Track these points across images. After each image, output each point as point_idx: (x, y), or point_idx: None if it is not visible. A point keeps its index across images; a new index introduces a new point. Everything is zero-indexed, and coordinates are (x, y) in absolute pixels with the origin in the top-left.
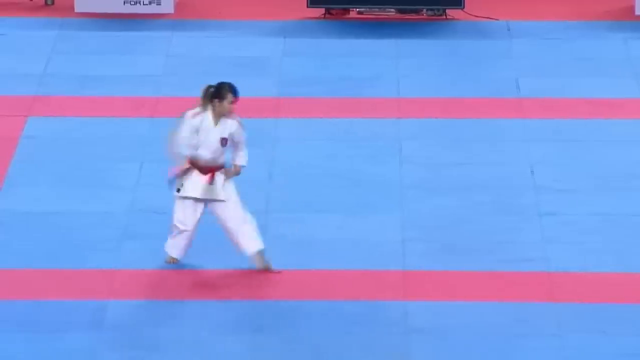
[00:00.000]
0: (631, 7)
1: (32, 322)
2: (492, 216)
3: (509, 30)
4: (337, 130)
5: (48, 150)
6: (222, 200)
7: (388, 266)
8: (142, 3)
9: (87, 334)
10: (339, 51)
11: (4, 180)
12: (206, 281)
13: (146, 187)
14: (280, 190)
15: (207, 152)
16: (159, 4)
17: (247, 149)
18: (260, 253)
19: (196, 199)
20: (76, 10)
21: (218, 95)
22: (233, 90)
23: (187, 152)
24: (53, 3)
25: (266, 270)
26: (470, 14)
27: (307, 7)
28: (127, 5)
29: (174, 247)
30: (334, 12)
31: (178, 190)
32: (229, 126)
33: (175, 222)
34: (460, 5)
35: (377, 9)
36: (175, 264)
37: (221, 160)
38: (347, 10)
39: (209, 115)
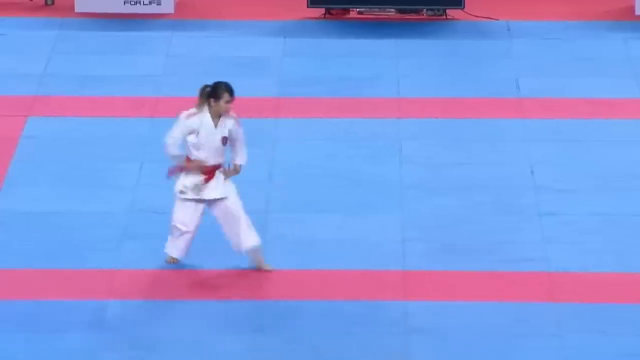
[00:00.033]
0: (631, 7)
1: (32, 322)
2: (492, 216)
3: (509, 30)
4: (337, 130)
5: (48, 150)
6: (224, 198)
7: (388, 266)
8: (142, 3)
9: (87, 334)
10: (339, 51)
11: (4, 180)
12: (206, 281)
13: (146, 187)
14: (280, 190)
15: (209, 153)
16: (159, 4)
17: (247, 148)
18: (257, 249)
19: (198, 200)
20: (76, 10)
21: (214, 94)
22: (229, 90)
23: (178, 152)
24: (53, 3)
25: (260, 267)
26: (470, 14)
27: (307, 7)
28: (127, 5)
29: (175, 248)
30: (334, 12)
31: (181, 192)
32: (228, 124)
33: (177, 224)
34: (460, 5)
35: (377, 9)
36: (175, 264)
37: (221, 159)
38: (347, 10)
39: (207, 115)
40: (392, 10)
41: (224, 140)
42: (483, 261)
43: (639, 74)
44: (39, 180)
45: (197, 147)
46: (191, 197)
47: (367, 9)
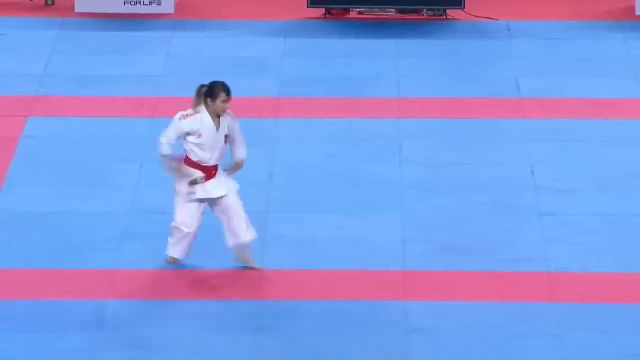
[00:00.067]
0: (631, 7)
1: (32, 322)
2: (492, 216)
3: (509, 30)
4: (337, 130)
5: (48, 150)
6: (225, 195)
7: (388, 266)
8: (142, 3)
9: (87, 334)
10: (339, 51)
11: (4, 180)
12: (206, 281)
13: (146, 187)
14: (280, 190)
15: (213, 153)
16: (159, 4)
17: (245, 145)
18: (246, 246)
19: (200, 200)
20: (76, 10)
21: (211, 94)
22: (226, 89)
23: (169, 152)
24: (53, 3)
25: (248, 265)
26: (470, 14)
27: (307, 7)
28: (127, 5)
29: (176, 248)
30: (334, 12)
31: (190, 194)
32: (226, 122)
33: (179, 225)
34: (460, 5)
35: (377, 9)
36: (175, 264)
37: (222, 157)
38: (347, 10)
39: (206, 116)
40: (392, 10)
41: (225, 138)
42: (483, 261)
43: (639, 74)
44: (39, 180)
45: (201, 147)
46: (202, 197)
47: (367, 9)
